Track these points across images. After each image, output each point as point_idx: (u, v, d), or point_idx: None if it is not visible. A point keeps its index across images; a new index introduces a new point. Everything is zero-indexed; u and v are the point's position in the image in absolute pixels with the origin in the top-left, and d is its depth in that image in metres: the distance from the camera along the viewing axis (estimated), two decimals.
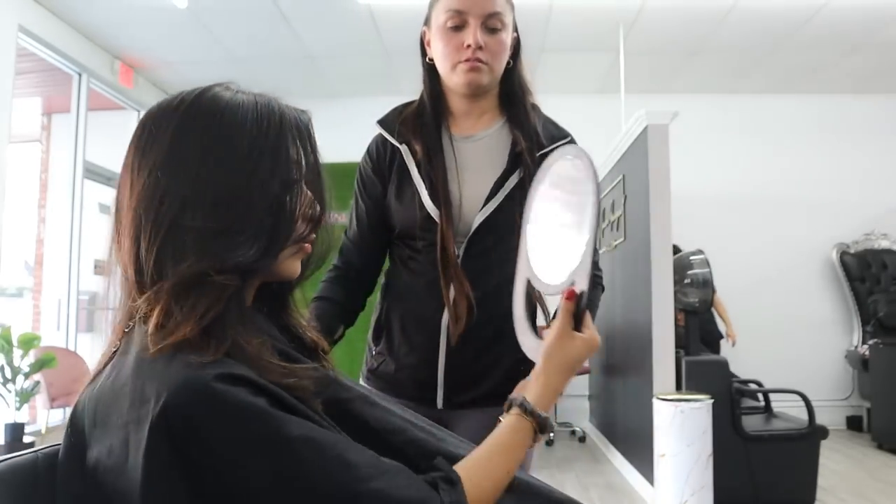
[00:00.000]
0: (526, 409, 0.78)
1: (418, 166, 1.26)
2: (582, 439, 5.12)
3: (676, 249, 4.44)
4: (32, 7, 4.05)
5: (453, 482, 0.68)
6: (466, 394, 1.25)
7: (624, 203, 4.12)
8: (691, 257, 3.96)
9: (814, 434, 3.36)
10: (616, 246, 4.36)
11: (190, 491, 0.58)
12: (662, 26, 4.51)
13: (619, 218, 4.26)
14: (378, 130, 1.34)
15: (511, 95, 1.32)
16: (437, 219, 1.22)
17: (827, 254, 5.56)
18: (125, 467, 0.60)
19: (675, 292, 3.65)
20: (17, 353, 3.57)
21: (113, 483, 0.61)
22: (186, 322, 0.63)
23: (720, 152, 5.61)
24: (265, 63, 5.10)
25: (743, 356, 5.07)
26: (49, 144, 5.62)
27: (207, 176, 0.67)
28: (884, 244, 5.49)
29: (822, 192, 5.57)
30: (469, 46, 1.21)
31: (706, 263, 3.89)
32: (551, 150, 1.23)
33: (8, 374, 3.55)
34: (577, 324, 0.83)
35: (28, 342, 3.60)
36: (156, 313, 0.64)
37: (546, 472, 4.13)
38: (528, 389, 0.81)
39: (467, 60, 1.22)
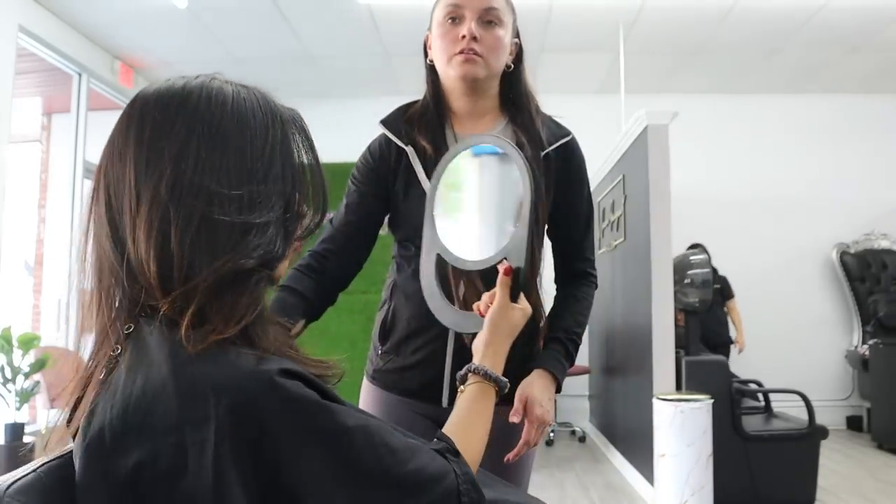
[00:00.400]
0: (489, 377, 0.86)
1: (425, 167, 1.25)
2: (582, 439, 5.12)
3: (702, 250, 4.38)
4: (32, 7, 4.05)
5: (457, 453, 0.72)
6: None
7: (624, 203, 4.11)
8: (691, 257, 3.96)
9: (814, 434, 3.36)
10: (616, 246, 4.36)
11: (260, 485, 0.58)
12: (662, 26, 4.51)
13: (619, 218, 4.26)
14: (380, 130, 1.33)
15: (515, 100, 1.32)
16: None
17: (827, 254, 5.56)
18: (184, 470, 0.57)
19: (675, 292, 3.65)
20: (17, 353, 3.57)
21: (168, 488, 0.58)
22: (228, 320, 0.62)
23: (720, 152, 5.61)
24: (265, 63, 5.10)
25: (743, 356, 5.07)
26: (49, 144, 5.62)
27: (230, 170, 0.65)
28: (884, 244, 5.49)
29: (822, 192, 5.57)
30: (464, 37, 1.22)
31: (706, 263, 3.89)
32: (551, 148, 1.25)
33: (8, 374, 3.55)
34: (514, 297, 0.93)
35: (28, 342, 3.60)
36: (189, 312, 0.61)
37: (546, 472, 4.13)
38: (480, 357, 0.89)
39: (462, 52, 1.23)
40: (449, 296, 1.11)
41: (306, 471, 0.58)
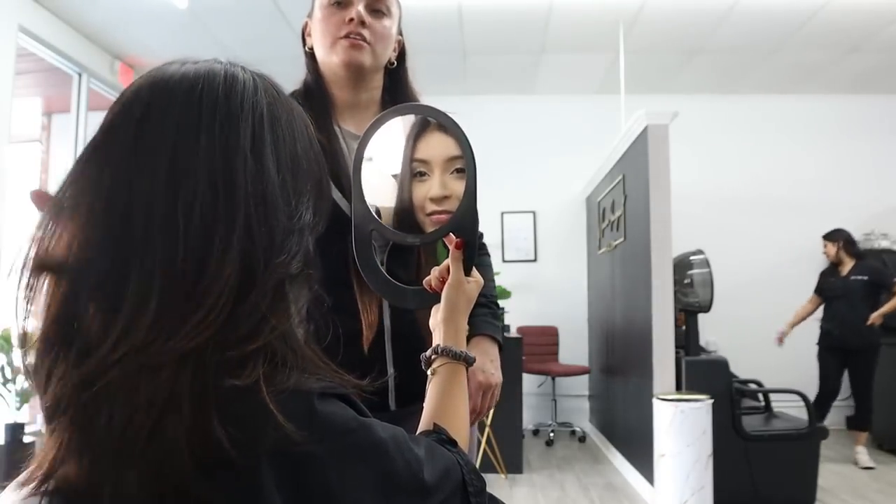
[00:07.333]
0: (458, 356, 0.84)
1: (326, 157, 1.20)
2: (582, 439, 5.12)
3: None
4: (32, 7, 4.05)
5: (455, 442, 0.71)
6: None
7: (624, 203, 4.12)
8: (691, 257, 3.96)
9: (814, 434, 3.36)
10: (616, 246, 4.36)
11: None
12: (662, 26, 4.51)
13: (619, 218, 4.26)
14: None
15: (397, 99, 1.26)
16: (347, 212, 1.09)
17: None
18: (225, 498, 0.52)
19: (675, 292, 3.65)
20: (17, 352, 3.57)
21: None
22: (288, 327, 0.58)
23: (720, 152, 5.61)
24: (265, 63, 5.04)
25: (743, 356, 5.06)
26: (49, 144, 5.62)
27: (308, 165, 0.62)
28: (884, 244, 5.49)
29: (821, 192, 5.57)
30: (351, 20, 1.16)
31: (706, 263, 3.89)
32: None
33: (8, 374, 3.55)
34: (467, 270, 0.91)
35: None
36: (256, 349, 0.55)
37: (546, 472, 4.13)
38: (442, 336, 0.86)
39: (348, 36, 1.16)
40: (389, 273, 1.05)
41: (351, 488, 0.56)
